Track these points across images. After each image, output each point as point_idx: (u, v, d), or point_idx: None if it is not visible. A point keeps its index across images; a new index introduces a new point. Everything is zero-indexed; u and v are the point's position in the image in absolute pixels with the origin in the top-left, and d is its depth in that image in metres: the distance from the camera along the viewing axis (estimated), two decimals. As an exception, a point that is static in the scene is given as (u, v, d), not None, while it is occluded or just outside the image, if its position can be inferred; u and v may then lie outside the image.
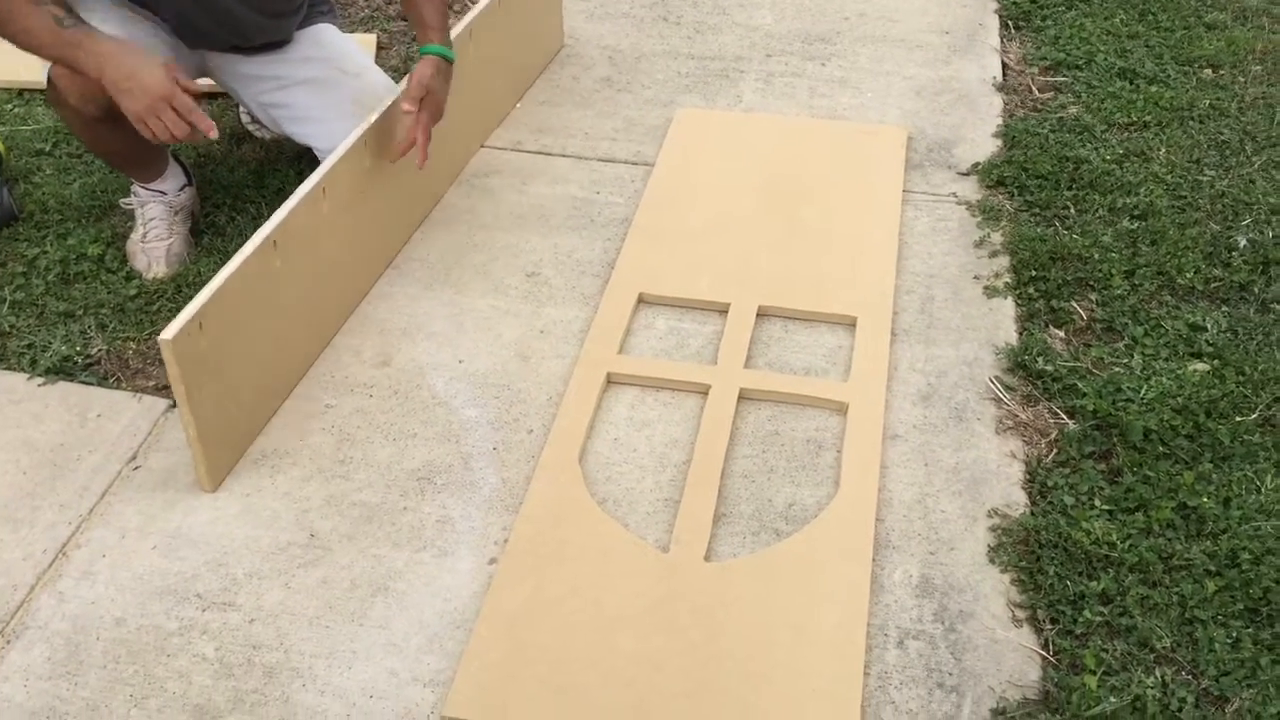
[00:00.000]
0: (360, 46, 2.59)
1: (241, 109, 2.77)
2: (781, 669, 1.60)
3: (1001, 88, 2.94)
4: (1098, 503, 1.82)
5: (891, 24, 3.22)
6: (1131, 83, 2.91)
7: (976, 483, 1.88)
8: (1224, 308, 2.21)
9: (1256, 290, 2.26)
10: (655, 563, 1.75)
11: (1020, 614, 1.69)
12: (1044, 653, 1.63)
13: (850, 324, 2.19)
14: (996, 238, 2.41)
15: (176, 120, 1.93)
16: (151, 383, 2.09)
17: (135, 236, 2.39)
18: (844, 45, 3.13)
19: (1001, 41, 3.14)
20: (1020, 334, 2.17)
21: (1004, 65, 3.03)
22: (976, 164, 2.63)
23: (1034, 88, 2.94)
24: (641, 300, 2.25)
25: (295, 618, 1.70)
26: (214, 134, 1.96)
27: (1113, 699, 1.55)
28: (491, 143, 2.75)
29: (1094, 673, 1.58)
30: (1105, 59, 3.00)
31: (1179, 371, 2.05)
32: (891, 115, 2.83)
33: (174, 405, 1.94)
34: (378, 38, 3.20)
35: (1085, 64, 2.99)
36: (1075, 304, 2.23)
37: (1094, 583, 1.70)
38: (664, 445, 1.97)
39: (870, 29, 3.20)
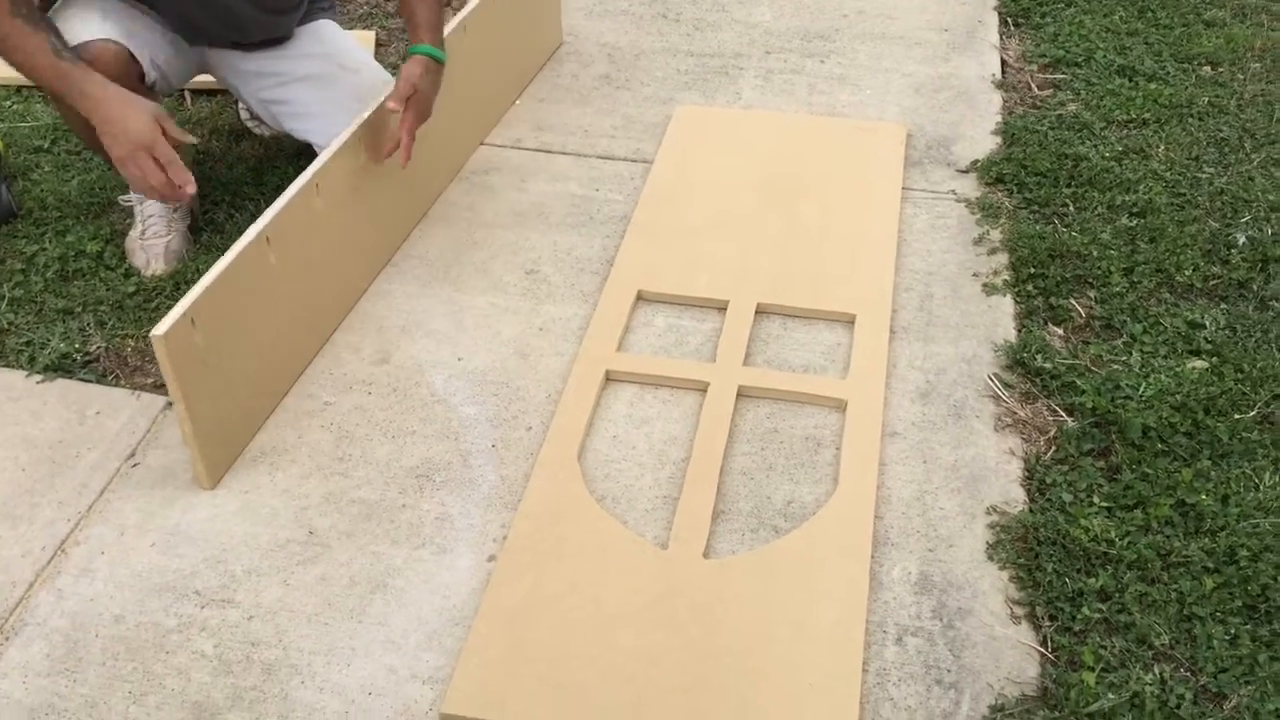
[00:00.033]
0: (359, 43, 2.59)
1: (241, 106, 2.77)
2: (780, 665, 1.60)
3: (1001, 85, 2.94)
4: (1096, 500, 1.82)
5: (890, 21, 3.22)
6: (1131, 80, 2.91)
7: (975, 480, 1.88)
8: (1223, 305, 2.22)
9: (1255, 288, 2.26)
10: (654, 560, 1.75)
11: (1019, 611, 1.69)
12: (1042, 649, 1.63)
13: (849, 321, 2.19)
14: (995, 235, 2.41)
15: (155, 169, 1.91)
16: (150, 380, 2.09)
17: (134, 233, 2.39)
18: (843, 42, 3.13)
19: (1001, 39, 3.14)
20: (1019, 331, 2.17)
21: (1003, 62, 3.03)
22: (975, 161, 2.63)
23: (1033, 85, 2.94)
24: (640, 297, 2.25)
25: (294, 615, 1.70)
26: (192, 189, 1.94)
27: (1111, 696, 1.55)
28: (491, 140, 2.75)
29: (1092, 669, 1.59)
30: (1104, 56, 3.00)
31: (1178, 369, 2.05)
32: (890, 112, 2.83)
33: (172, 403, 1.94)
34: (376, 34, 3.20)
35: (1084, 61, 2.99)
36: (1074, 301, 2.23)
37: (1092, 580, 1.70)
38: (663, 442, 1.97)
39: (869, 26, 3.20)
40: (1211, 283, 2.27)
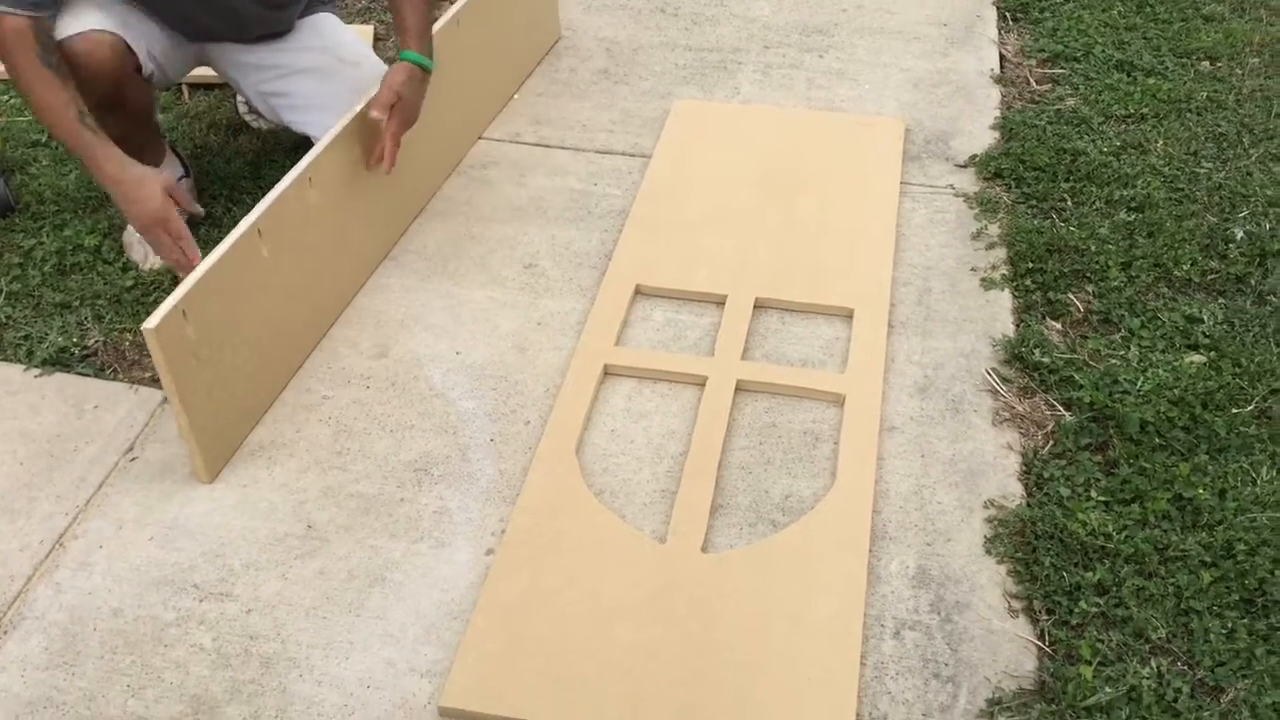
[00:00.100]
0: (359, 37, 2.58)
1: (239, 99, 2.76)
2: (778, 659, 1.60)
3: (999, 80, 2.93)
4: (1094, 494, 1.82)
5: (889, 16, 3.22)
6: (1129, 75, 2.91)
7: (973, 474, 1.88)
8: (1220, 300, 2.22)
9: (1253, 282, 2.26)
10: (652, 554, 1.75)
11: (1016, 605, 1.69)
12: (1040, 643, 1.64)
13: (847, 316, 2.19)
14: (994, 230, 2.41)
15: (168, 243, 2.00)
16: (148, 374, 2.09)
17: (132, 228, 2.38)
18: (842, 37, 3.13)
19: (999, 33, 3.13)
20: (1017, 326, 2.17)
21: (1002, 57, 3.03)
22: (974, 156, 2.63)
23: (1032, 80, 2.94)
24: (639, 292, 2.25)
25: (292, 608, 1.70)
26: (197, 261, 1.98)
27: (1108, 689, 1.56)
28: (489, 134, 2.75)
29: (1090, 663, 1.59)
30: (1103, 51, 3.00)
31: (1175, 363, 2.05)
32: (889, 107, 2.83)
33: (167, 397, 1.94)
34: (375, 29, 3.19)
35: (1083, 56, 2.99)
36: (1072, 296, 2.23)
37: (1090, 574, 1.70)
38: (661, 437, 1.97)
39: (868, 21, 3.20)
40: (1209, 277, 2.27)
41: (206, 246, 2.36)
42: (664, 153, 2.63)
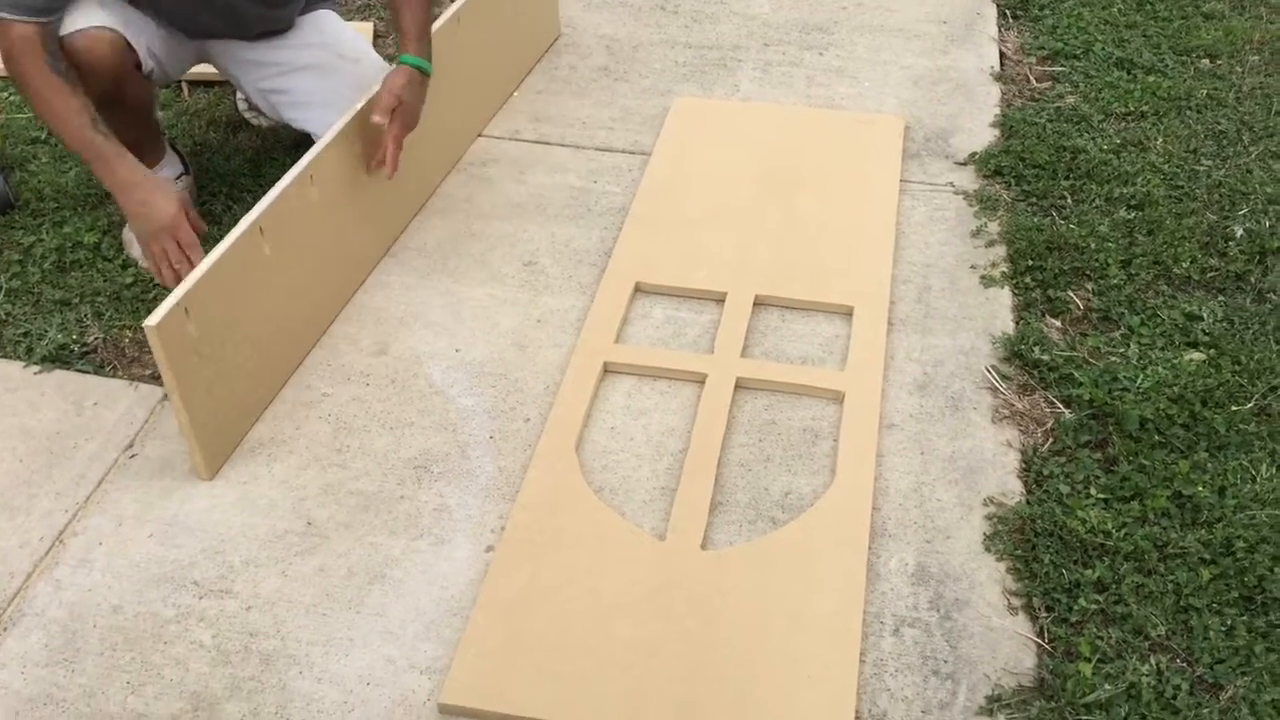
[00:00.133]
0: (359, 34, 2.58)
1: (239, 96, 2.76)
2: (777, 656, 1.60)
3: (999, 77, 2.93)
4: (1093, 491, 1.83)
5: (889, 13, 3.21)
6: (1129, 72, 2.91)
7: (972, 471, 1.88)
8: (1220, 297, 2.22)
9: (1253, 280, 2.26)
10: (652, 551, 1.75)
11: (1015, 602, 1.69)
12: (1039, 640, 1.64)
13: (847, 313, 2.19)
14: (993, 227, 2.41)
15: (176, 251, 1.97)
16: (148, 371, 2.09)
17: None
18: (841, 34, 3.13)
19: (999, 31, 3.13)
20: (1017, 323, 2.17)
21: (1001, 55, 3.03)
22: (974, 153, 2.63)
23: (1031, 77, 2.94)
24: (638, 289, 2.25)
25: (292, 605, 1.70)
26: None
27: (1108, 686, 1.56)
28: (489, 132, 2.74)
29: (1089, 660, 1.59)
30: (1103, 48, 3.00)
31: (1175, 361, 2.05)
32: (889, 105, 2.83)
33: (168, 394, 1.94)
34: (375, 26, 3.19)
35: (1083, 53, 2.99)
36: (1072, 293, 2.23)
37: (1089, 571, 1.70)
38: (660, 434, 1.97)
39: (868, 18, 3.20)
40: (1209, 275, 2.27)
41: (207, 245, 2.36)
42: (664, 150, 2.63)
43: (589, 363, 2.07)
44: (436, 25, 2.40)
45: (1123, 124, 2.73)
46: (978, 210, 2.46)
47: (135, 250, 2.35)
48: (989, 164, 2.58)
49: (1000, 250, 2.35)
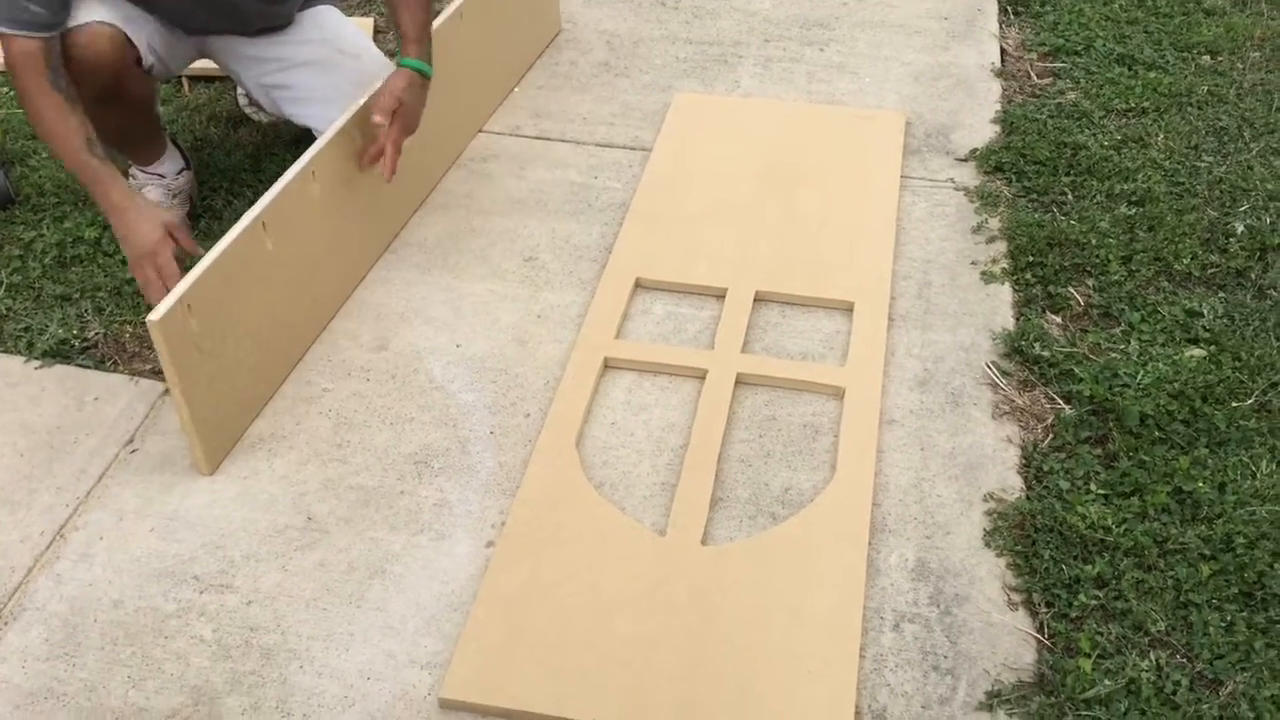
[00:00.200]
0: (360, 29, 2.58)
1: (239, 92, 2.76)
2: (778, 652, 1.61)
3: (1000, 73, 2.93)
4: (1093, 487, 1.83)
5: (890, 9, 3.21)
6: (1130, 69, 2.91)
7: (972, 467, 1.89)
8: (1221, 294, 2.22)
9: (1253, 276, 2.26)
10: (652, 546, 1.75)
11: (1015, 597, 1.69)
12: (1039, 636, 1.64)
13: (847, 309, 2.19)
14: (994, 223, 2.41)
15: (155, 280, 1.93)
16: (148, 366, 2.09)
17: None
18: (842, 30, 3.13)
19: (1000, 27, 3.13)
20: (1017, 319, 2.17)
21: (1003, 51, 3.03)
22: (974, 150, 2.63)
23: (1032, 73, 2.94)
24: (639, 285, 2.25)
25: (293, 600, 1.70)
26: None
27: (1107, 682, 1.56)
28: (489, 127, 2.74)
29: (1089, 656, 1.59)
30: (1104, 45, 2.99)
31: (1175, 357, 2.05)
32: (889, 100, 2.82)
33: (169, 389, 1.94)
34: (375, 21, 3.19)
35: (1084, 50, 2.99)
36: (1072, 289, 2.23)
37: (1089, 567, 1.70)
38: (661, 429, 1.97)
39: (869, 14, 3.19)
40: (1210, 271, 2.27)
41: (208, 240, 2.36)
42: (664, 146, 2.63)
43: (589, 358, 2.07)
44: (437, 21, 2.40)
45: (1124, 120, 2.73)
46: (978, 206, 2.46)
47: (136, 245, 2.35)
48: (990, 160, 2.58)
49: (1001, 246, 2.35)
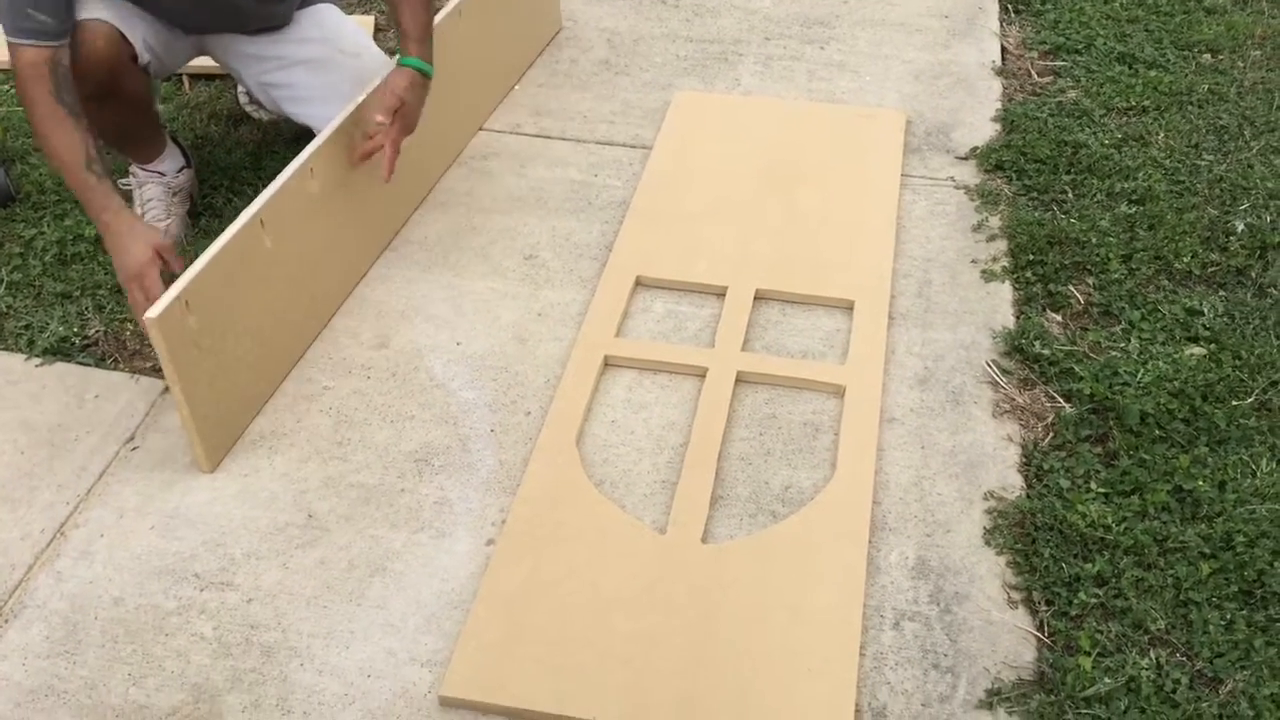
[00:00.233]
0: (360, 28, 2.58)
1: (240, 89, 2.76)
2: (778, 649, 1.61)
3: (1000, 72, 2.93)
4: (1093, 486, 1.83)
5: (890, 7, 3.21)
6: (1130, 67, 2.91)
7: (973, 466, 1.89)
8: (1221, 292, 2.22)
9: (1254, 275, 2.26)
10: (652, 544, 1.75)
11: (1015, 596, 1.69)
12: (1039, 634, 1.64)
13: (848, 307, 2.19)
14: (994, 222, 2.41)
15: (141, 303, 1.89)
16: (149, 364, 2.09)
17: (133, 219, 2.38)
18: (843, 29, 3.13)
19: (1001, 25, 3.13)
20: (1017, 318, 2.17)
21: (1003, 49, 3.03)
22: (975, 148, 2.63)
23: (1033, 72, 2.94)
24: (639, 283, 2.25)
25: (293, 598, 1.70)
26: None
27: (1107, 680, 1.56)
28: (490, 125, 2.74)
29: (1089, 654, 1.59)
30: (1104, 43, 2.99)
31: (1176, 355, 2.05)
32: (890, 99, 2.82)
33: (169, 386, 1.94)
34: (375, 19, 3.19)
35: (1084, 48, 2.99)
36: (1073, 288, 2.23)
37: (1089, 565, 1.70)
38: (661, 427, 1.97)
39: (869, 12, 3.19)
40: (1210, 270, 2.27)
41: (208, 236, 2.36)
42: (665, 144, 2.63)
43: (590, 356, 2.07)
44: (437, 19, 2.40)
45: (1124, 119, 2.73)
46: (979, 205, 2.46)
47: (136, 243, 2.35)
48: (990, 158, 2.58)
49: (1001, 245, 2.35)
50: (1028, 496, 1.82)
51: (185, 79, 2.91)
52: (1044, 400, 2.00)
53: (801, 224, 2.38)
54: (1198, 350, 2.07)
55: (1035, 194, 2.48)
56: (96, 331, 2.16)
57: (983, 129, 2.71)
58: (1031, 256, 2.29)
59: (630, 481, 1.87)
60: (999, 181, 2.53)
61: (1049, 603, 1.67)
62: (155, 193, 2.37)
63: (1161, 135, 2.65)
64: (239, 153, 2.65)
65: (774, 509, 1.83)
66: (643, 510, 1.83)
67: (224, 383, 1.89)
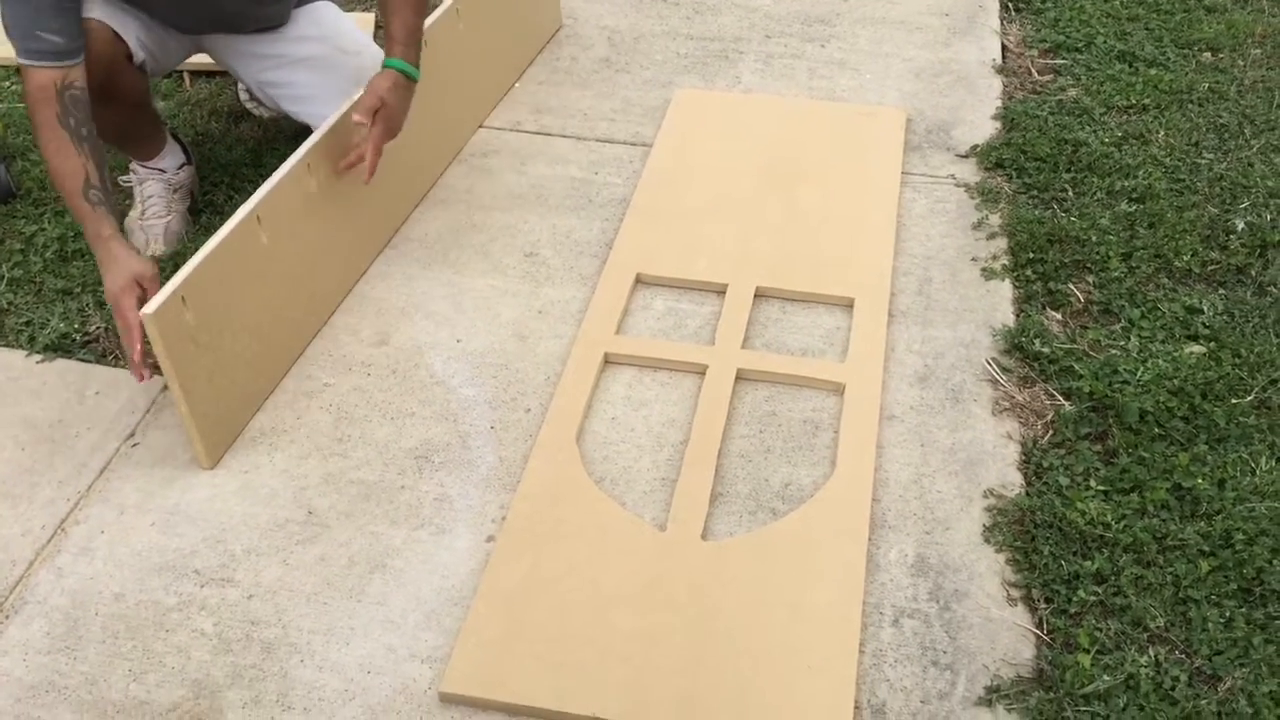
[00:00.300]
0: (358, 26, 2.58)
1: (240, 87, 2.76)
2: (777, 647, 1.61)
3: (1001, 70, 2.93)
4: (1093, 483, 1.83)
5: (891, 5, 3.21)
6: (1131, 65, 2.91)
7: (972, 463, 1.89)
8: (1221, 290, 2.22)
9: (1253, 273, 2.26)
10: (652, 541, 1.76)
11: (1015, 593, 1.69)
12: (1038, 632, 1.64)
13: (848, 305, 2.19)
14: (994, 220, 2.41)
15: (122, 328, 1.89)
16: (149, 361, 2.09)
17: (134, 214, 2.39)
18: (843, 27, 3.13)
19: (1001, 24, 3.13)
20: (1017, 316, 2.17)
21: (1003, 47, 3.03)
22: (975, 146, 2.63)
23: (1033, 70, 2.94)
24: (639, 281, 2.26)
25: (293, 594, 1.71)
26: (135, 371, 1.88)
27: (1106, 677, 1.56)
28: (490, 123, 2.74)
29: (1088, 651, 1.59)
30: (1105, 41, 3.00)
31: (1175, 354, 2.05)
32: (890, 97, 2.83)
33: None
34: (375, 17, 3.18)
35: (1085, 46, 2.99)
36: (1072, 286, 2.23)
37: (1088, 562, 1.71)
38: (661, 425, 1.97)
39: (870, 10, 3.19)
40: (1210, 268, 2.27)
41: (209, 233, 2.36)
42: (665, 142, 2.63)
43: (590, 354, 2.07)
44: (436, 16, 2.41)
45: (1124, 117, 2.73)
46: (979, 203, 2.46)
47: (138, 239, 2.36)
48: (990, 156, 2.58)
49: (1001, 243, 2.35)
50: (1027, 494, 1.83)
51: (185, 76, 2.91)
52: (1043, 398, 2.00)
53: (802, 222, 2.38)
54: (1197, 348, 2.07)
55: (1035, 192, 2.48)
56: (97, 328, 2.16)
57: (983, 127, 2.71)
58: (1031, 254, 2.29)
59: (630, 479, 1.88)
60: (999, 179, 2.53)
61: (1048, 600, 1.68)
62: (156, 190, 2.37)
63: (1162, 133, 2.65)
64: (239, 149, 2.65)
65: (774, 506, 1.83)
66: (643, 507, 1.83)
67: (223, 379, 1.89)
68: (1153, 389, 1.97)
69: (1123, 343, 2.09)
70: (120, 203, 2.45)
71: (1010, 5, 3.21)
